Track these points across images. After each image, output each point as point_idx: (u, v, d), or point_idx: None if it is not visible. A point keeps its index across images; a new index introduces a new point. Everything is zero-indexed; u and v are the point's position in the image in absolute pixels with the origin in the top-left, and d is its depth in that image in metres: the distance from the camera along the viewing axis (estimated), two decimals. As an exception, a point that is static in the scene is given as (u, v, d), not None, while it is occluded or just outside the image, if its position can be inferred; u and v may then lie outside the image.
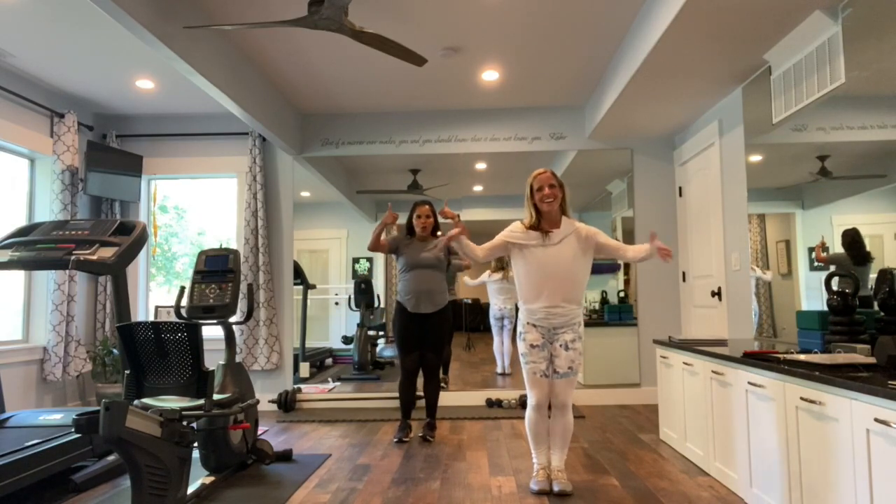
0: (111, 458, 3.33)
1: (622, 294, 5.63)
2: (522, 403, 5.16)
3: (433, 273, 4.07)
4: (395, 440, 4.05)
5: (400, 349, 4.08)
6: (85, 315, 5.22)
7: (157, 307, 5.19)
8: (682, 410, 3.61)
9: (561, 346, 2.88)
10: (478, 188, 6.06)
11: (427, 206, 4.15)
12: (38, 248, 2.85)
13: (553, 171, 2.94)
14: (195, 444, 2.71)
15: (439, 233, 4.18)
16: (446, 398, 5.34)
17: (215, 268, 3.50)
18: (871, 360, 2.29)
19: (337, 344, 6.41)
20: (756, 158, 3.90)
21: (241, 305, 4.99)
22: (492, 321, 6.27)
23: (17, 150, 4.65)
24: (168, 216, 5.85)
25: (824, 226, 3.13)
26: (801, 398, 2.25)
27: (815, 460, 2.21)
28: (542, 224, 2.94)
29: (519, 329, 2.96)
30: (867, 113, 2.76)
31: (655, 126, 5.06)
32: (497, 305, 6.18)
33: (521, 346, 2.93)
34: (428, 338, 4.06)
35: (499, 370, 6.32)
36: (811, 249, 3.26)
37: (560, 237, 2.91)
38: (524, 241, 2.92)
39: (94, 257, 2.83)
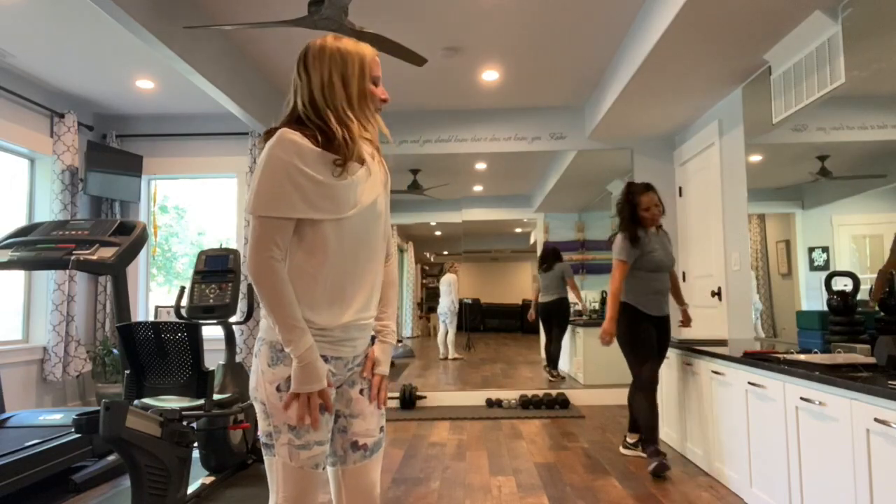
0: (111, 458, 3.33)
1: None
2: (523, 403, 5.16)
3: (666, 274, 3.59)
4: (655, 469, 3.22)
5: (642, 357, 3.44)
6: (85, 315, 5.22)
7: (157, 307, 5.19)
8: (682, 410, 3.61)
9: (363, 391, 1.44)
10: (478, 188, 6.06)
11: (655, 193, 3.55)
12: (38, 248, 2.85)
13: None
14: (195, 444, 2.71)
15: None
16: (446, 398, 5.35)
17: (215, 268, 3.50)
18: (871, 360, 2.29)
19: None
20: (756, 158, 3.90)
21: (241, 305, 4.99)
22: (439, 318, 7.13)
23: (17, 150, 4.65)
24: (168, 216, 5.85)
25: (824, 226, 3.13)
26: (801, 398, 2.25)
27: (815, 460, 2.21)
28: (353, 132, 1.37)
29: (277, 379, 1.31)
30: (867, 113, 2.76)
31: (655, 126, 5.06)
32: (440, 303, 6.95)
33: (281, 416, 1.30)
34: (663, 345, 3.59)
35: (441, 356, 6.86)
36: (811, 250, 3.26)
37: (366, 169, 1.40)
38: (315, 168, 1.30)
39: (94, 257, 2.83)
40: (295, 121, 1.35)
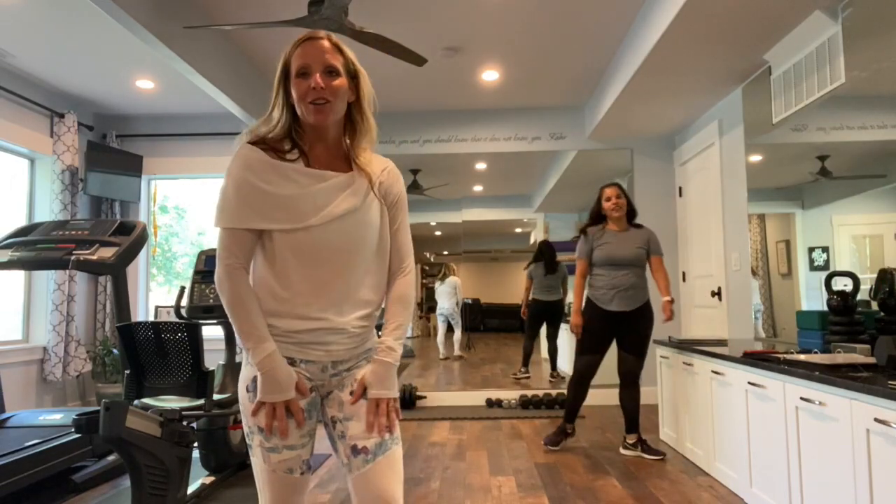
0: (111, 458, 3.34)
1: (622, 294, 5.62)
2: (523, 403, 5.16)
3: (630, 269, 3.63)
4: (546, 440, 3.81)
5: (584, 347, 3.70)
6: (85, 315, 5.22)
7: (157, 307, 5.19)
8: (682, 410, 3.61)
9: (353, 393, 1.36)
10: (478, 188, 6.06)
11: (615, 188, 3.68)
12: (38, 248, 2.85)
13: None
14: (195, 444, 2.71)
15: (637, 220, 3.76)
16: (446, 398, 5.35)
17: (215, 268, 3.50)
18: (871, 360, 2.29)
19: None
20: (756, 158, 3.90)
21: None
22: (439, 319, 7.29)
23: (17, 150, 4.65)
24: (168, 216, 5.85)
25: (824, 226, 3.13)
26: (801, 398, 2.25)
27: (815, 460, 2.21)
28: (306, 136, 1.36)
29: (244, 380, 1.33)
30: (867, 113, 2.76)
31: (655, 126, 5.06)
32: (441, 305, 7.10)
33: (250, 418, 1.30)
34: (633, 342, 3.66)
35: (441, 356, 7.16)
36: (811, 250, 3.26)
37: (347, 178, 1.34)
38: (266, 180, 1.28)
39: (94, 257, 2.83)
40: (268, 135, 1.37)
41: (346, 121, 1.39)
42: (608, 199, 3.65)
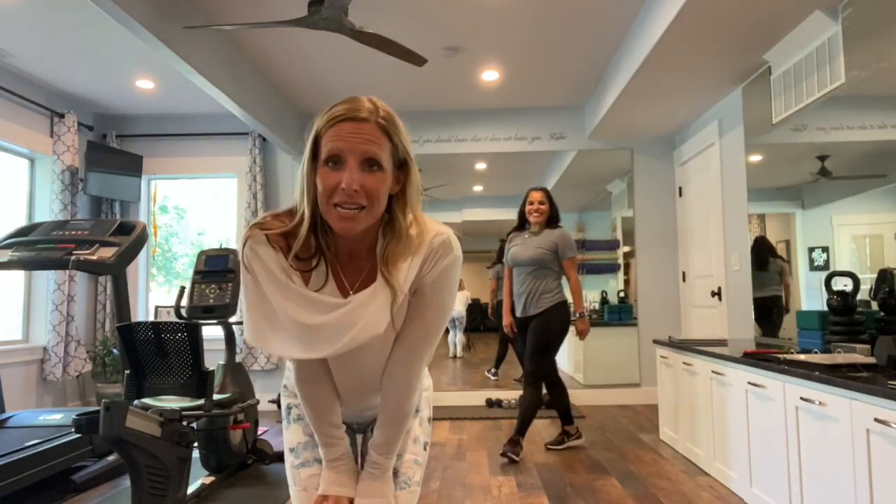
0: (111, 458, 3.33)
1: (622, 294, 5.63)
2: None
3: (533, 272, 3.62)
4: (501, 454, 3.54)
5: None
6: (85, 315, 5.22)
7: (157, 307, 5.18)
8: (682, 410, 3.61)
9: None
10: (478, 188, 6.06)
11: (541, 192, 3.69)
12: (38, 248, 2.85)
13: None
14: (195, 444, 2.71)
15: (562, 225, 3.72)
16: (447, 398, 5.35)
17: (215, 268, 3.50)
18: (871, 360, 2.29)
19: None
20: (756, 158, 3.90)
21: (241, 305, 4.98)
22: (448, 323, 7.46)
23: (17, 150, 4.65)
24: (168, 216, 5.85)
25: (824, 226, 3.13)
26: (801, 398, 2.25)
27: (815, 460, 2.21)
28: (332, 236, 1.13)
29: (287, 441, 1.32)
30: (867, 113, 2.76)
31: (655, 126, 5.06)
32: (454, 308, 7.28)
33: (291, 441, 1.31)
34: (528, 342, 3.64)
35: (451, 355, 7.37)
36: (811, 250, 3.26)
37: (369, 296, 1.10)
38: (274, 298, 1.09)
39: (94, 257, 2.83)
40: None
41: (382, 216, 1.11)
42: (531, 203, 3.67)
